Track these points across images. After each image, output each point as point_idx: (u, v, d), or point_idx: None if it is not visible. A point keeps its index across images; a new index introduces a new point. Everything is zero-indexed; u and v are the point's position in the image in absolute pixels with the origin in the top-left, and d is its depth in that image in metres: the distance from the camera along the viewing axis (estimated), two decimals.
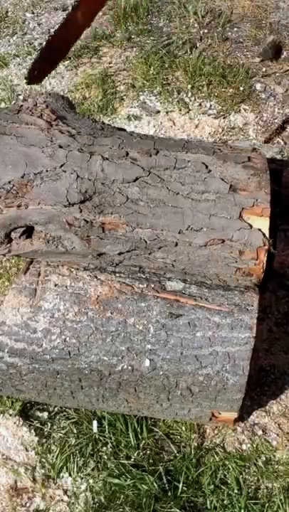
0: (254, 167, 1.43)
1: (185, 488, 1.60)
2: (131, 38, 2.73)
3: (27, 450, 1.66)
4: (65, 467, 1.64)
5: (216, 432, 1.70)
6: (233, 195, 1.38)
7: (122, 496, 1.59)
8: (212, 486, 1.60)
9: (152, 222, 1.39)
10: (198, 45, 2.72)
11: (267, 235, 1.38)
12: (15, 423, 1.69)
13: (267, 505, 1.58)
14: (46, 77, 1.67)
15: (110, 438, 1.67)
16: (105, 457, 1.65)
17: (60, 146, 1.39)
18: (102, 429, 1.68)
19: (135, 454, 1.65)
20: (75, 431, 1.69)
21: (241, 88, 2.53)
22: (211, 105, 2.50)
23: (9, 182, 1.36)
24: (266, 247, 1.38)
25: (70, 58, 2.63)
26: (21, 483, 1.62)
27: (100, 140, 1.42)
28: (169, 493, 1.59)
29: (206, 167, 1.40)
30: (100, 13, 2.37)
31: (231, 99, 2.50)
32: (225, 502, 1.59)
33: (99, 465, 1.64)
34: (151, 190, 1.39)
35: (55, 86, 2.55)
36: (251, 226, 1.38)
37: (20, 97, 2.52)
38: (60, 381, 1.49)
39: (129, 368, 1.45)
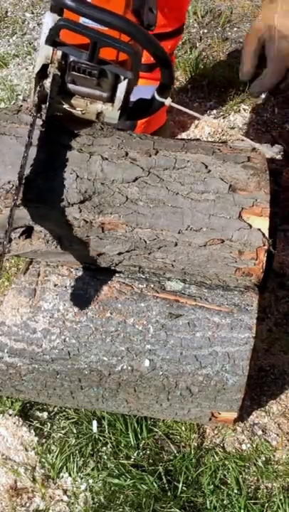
0: (254, 167, 1.43)
1: (185, 488, 1.60)
2: None
3: (27, 450, 1.67)
4: (64, 467, 1.64)
5: (215, 432, 1.71)
6: (232, 195, 1.38)
7: (122, 496, 1.60)
8: (212, 486, 1.61)
9: (152, 222, 1.39)
10: (197, 45, 2.72)
11: (266, 234, 1.38)
12: (14, 423, 1.69)
13: (267, 505, 1.58)
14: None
15: (110, 438, 1.67)
16: (105, 457, 1.65)
17: (60, 146, 1.39)
18: (102, 429, 1.68)
19: (135, 454, 1.65)
20: (74, 431, 1.69)
21: (241, 88, 2.53)
22: (210, 105, 2.50)
23: (9, 182, 1.36)
24: (266, 247, 1.38)
25: None
26: (21, 483, 1.62)
27: (100, 140, 1.42)
28: (169, 493, 1.59)
29: (206, 167, 1.40)
30: None
31: (231, 99, 2.50)
32: (225, 502, 1.59)
33: (99, 465, 1.65)
34: (150, 190, 1.39)
35: None
36: (251, 226, 1.38)
37: (20, 97, 2.52)
38: (60, 381, 1.49)
39: (129, 368, 1.45)
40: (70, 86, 1.34)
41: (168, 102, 1.42)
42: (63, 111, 1.39)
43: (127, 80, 1.31)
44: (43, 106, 1.37)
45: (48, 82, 1.33)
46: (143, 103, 1.47)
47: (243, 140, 1.52)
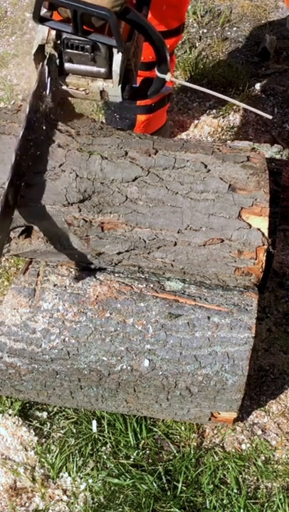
0: (253, 167, 1.42)
1: (184, 488, 1.60)
2: None
3: (26, 450, 1.66)
4: (64, 467, 1.64)
5: (215, 431, 1.70)
6: (232, 195, 1.38)
7: (122, 496, 1.59)
8: (211, 486, 1.60)
9: (151, 222, 1.39)
10: (197, 44, 2.72)
11: (266, 234, 1.38)
12: (14, 423, 1.69)
13: (266, 504, 1.58)
14: None
15: (110, 438, 1.67)
16: (105, 457, 1.65)
17: (59, 146, 1.39)
18: (102, 429, 1.68)
19: (134, 454, 1.65)
20: (74, 431, 1.69)
21: (241, 88, 2.53)
22: (210, 105, 2.50)
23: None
24: (265, 247, 1.38)
25: None
26: (20, 483, 1.62)
27: (99, 140, 1.42)
28: (169, 493, 1.59)
29: (205, 166, 1.40)
30: None
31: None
32: (224, 502, 1.59)
33: (98, 465, 1.64)
34: (150, 190, 1.39)
35: None
36: (250, 226, 1.37)
37: (20, 97, 2.52)
38: (60, 381, 1.49)
39: (129, 368, 1.44)
40: (68, 65, 1.35)
41: (168, 77, 1.43)
42: (67, 94, 1.40)
43: (120, 54, 1.32)
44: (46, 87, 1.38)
45: (46, 63, 1.35)
46: (148, 83, 1.47)
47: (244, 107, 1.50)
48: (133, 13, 1.30)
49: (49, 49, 1.34)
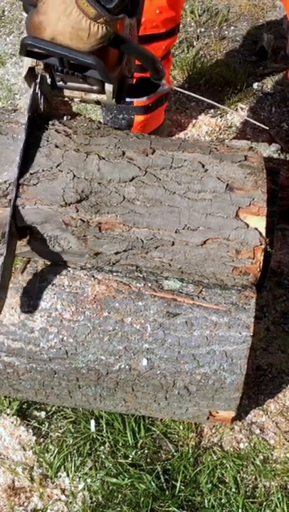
0: (251, 166, 1.42)
1: (183, 487, 1.60)
2: None
3: (24, 449, 1.67)
4: (62, 466, 1.64)
5: (213, 431, 1.71)
6: (229, 195, 1.38)
7: (120, 495, 1.60)
8: (210, 485, 1.61)
9: (149, 222, 1.39)
10: (195, 44, 2.72)
11: (263, 234, 1.38)
12: (12, 422, 1.69)
13: (265, 503, 1.59)
14: None
15: (108, 437, 1.67)
16: (103, 456, 1.65)
17: (56, 146, 1.39)
18: (100, 429, 1.68)
19: (133, 453, 1.65)
20: (72, 430, 1.69)
21: (238, 87, 2.53)
22: (208, 104, 2.50)
23: (5, 182, 1.36)
24: (263, 247, 1.38)
25: None
26: (19, 482, 1.62)
27: (97, 139, 1.42)
28: (167, 492, 1.59)
29: (203, 166, 1.40)
30: None
31: (228, 98, 2.50)
32: (223, 501, 1.59)
33: (97, 464, 1.65)
34: (147, 190, 1.39)
35: None
36: (248, 225, 1.38)
37: (17, 97, 2.52)
38: (58, 380, 1.49)
39: (127, 367, 1.45)
40: (61, 84, 1.35)
41: (164, 82, 1.43)
42: (63, 101, 1.41)
43: None
44: (40, 104, 1.38)
45: (38, 83, 1.35)
46: (143, 82, 1.47)
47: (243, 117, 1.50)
48: (126, 45, 1.29)
49: (40, 70, 1.34)
